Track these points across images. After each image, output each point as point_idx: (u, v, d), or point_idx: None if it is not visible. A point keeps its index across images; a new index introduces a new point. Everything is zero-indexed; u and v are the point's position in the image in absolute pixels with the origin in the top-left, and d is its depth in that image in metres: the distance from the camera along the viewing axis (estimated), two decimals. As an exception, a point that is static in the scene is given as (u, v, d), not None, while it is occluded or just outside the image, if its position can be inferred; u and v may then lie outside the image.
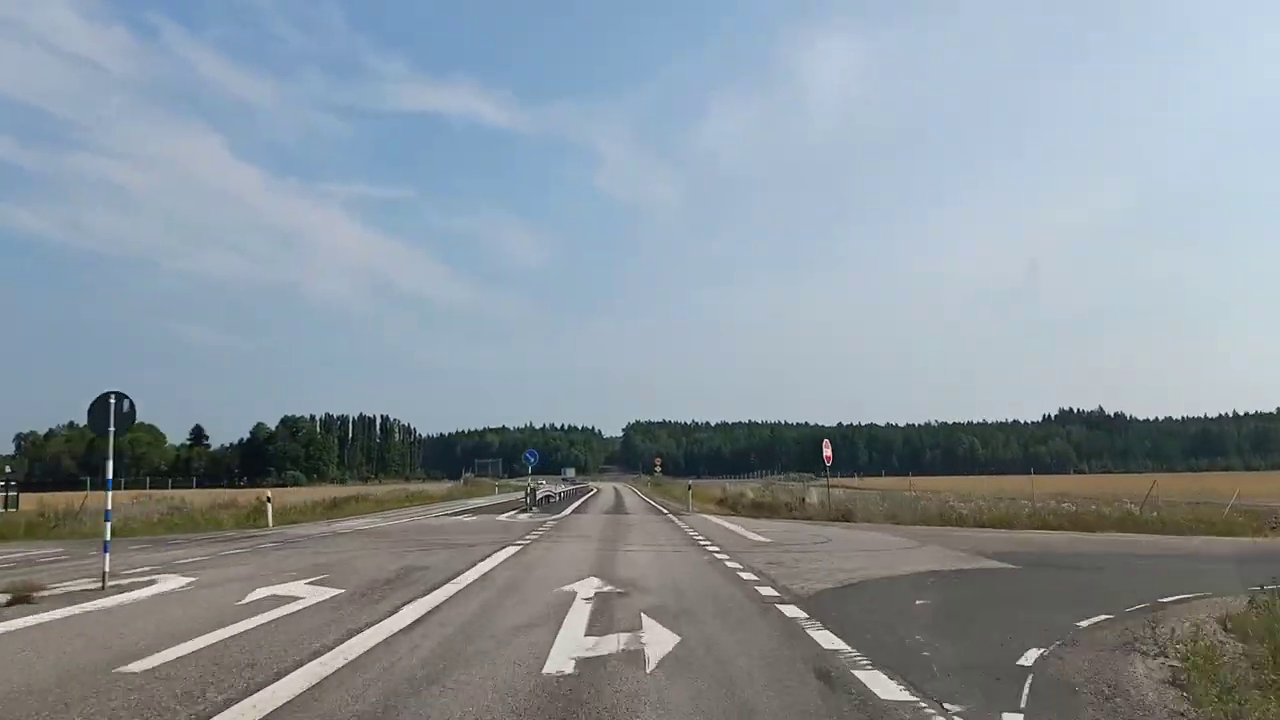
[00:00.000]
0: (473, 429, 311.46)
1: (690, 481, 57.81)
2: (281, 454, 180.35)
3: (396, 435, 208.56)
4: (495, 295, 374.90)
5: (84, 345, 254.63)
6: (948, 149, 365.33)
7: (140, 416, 12.67)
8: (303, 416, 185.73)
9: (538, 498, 45.68)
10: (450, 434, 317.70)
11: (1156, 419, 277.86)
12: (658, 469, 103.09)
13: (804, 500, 33.23)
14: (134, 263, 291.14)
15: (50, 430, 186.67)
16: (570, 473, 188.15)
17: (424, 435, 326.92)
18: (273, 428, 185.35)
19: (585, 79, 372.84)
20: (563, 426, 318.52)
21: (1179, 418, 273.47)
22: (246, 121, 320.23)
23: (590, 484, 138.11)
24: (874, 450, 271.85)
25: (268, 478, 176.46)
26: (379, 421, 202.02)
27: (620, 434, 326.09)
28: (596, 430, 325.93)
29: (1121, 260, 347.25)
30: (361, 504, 45.17)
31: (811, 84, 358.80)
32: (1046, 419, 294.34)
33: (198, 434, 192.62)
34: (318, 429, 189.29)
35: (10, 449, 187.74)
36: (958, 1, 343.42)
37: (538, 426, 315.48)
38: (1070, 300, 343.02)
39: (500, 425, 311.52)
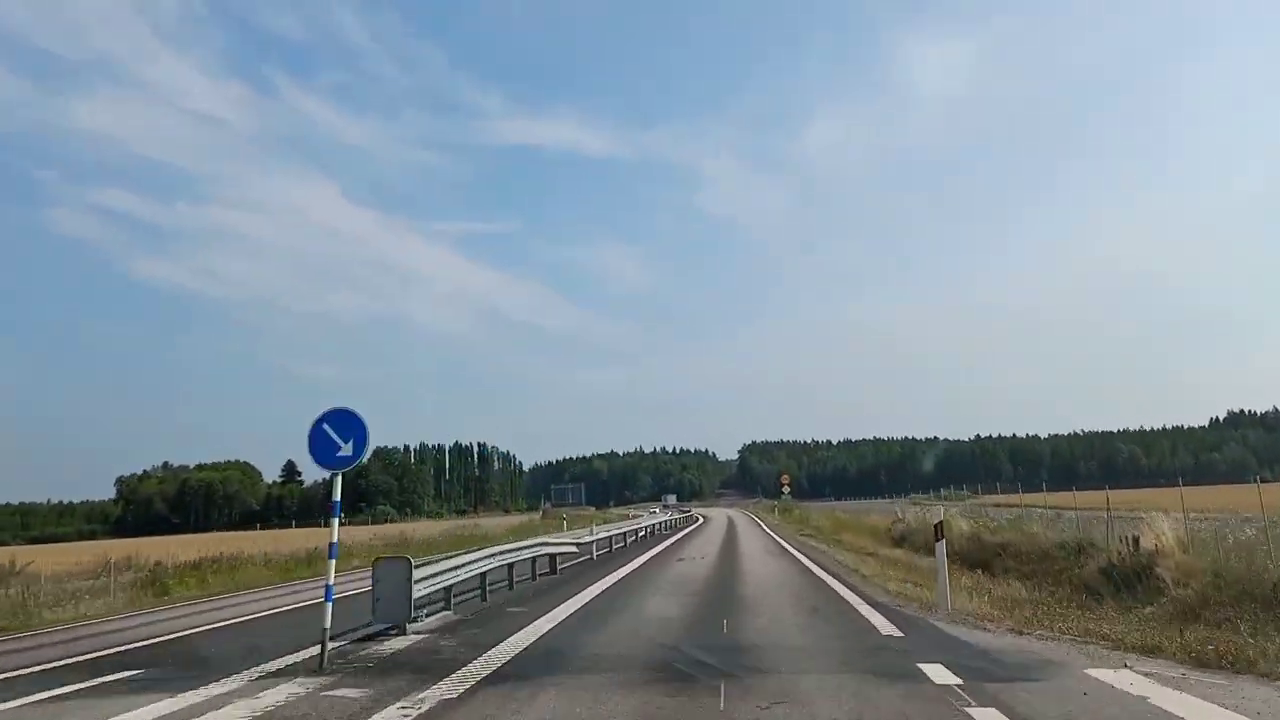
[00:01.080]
0: (579, 455, 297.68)
1: (831, 504, 38.96)
2: (373, 488, 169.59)
3: (496, 464, 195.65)
4: (602, 321, 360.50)
5: (201, 384, 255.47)
6: (1072, 138, 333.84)
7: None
8: (395, 447, 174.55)
9: (590, 540, 29.06)
10: (558, 461, 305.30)
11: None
12: (785, 491, 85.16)
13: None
14: (258, 304, 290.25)
15: (145, 471, 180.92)
16: (671, 499, 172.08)
17: (535, 463, 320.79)
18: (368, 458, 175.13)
19: (683, 99, 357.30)
20: (674, 450, 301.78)
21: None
22: (357, 164, 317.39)
23: (699, 511, 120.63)
24: (1019, 463, 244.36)
25: (358, 515, 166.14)
26: (476, 450, 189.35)
27: (735, 456, 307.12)
28: (710, 453, 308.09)
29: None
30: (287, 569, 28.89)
31: (918, 86, 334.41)
32: (1215, 423, 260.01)
33: (290, 470, 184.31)
34: (412, 459, 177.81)
35: (111, 493, 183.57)
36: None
37: (648, 451, 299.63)
38: (1229, 292, 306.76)
39: (609, 450, 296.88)
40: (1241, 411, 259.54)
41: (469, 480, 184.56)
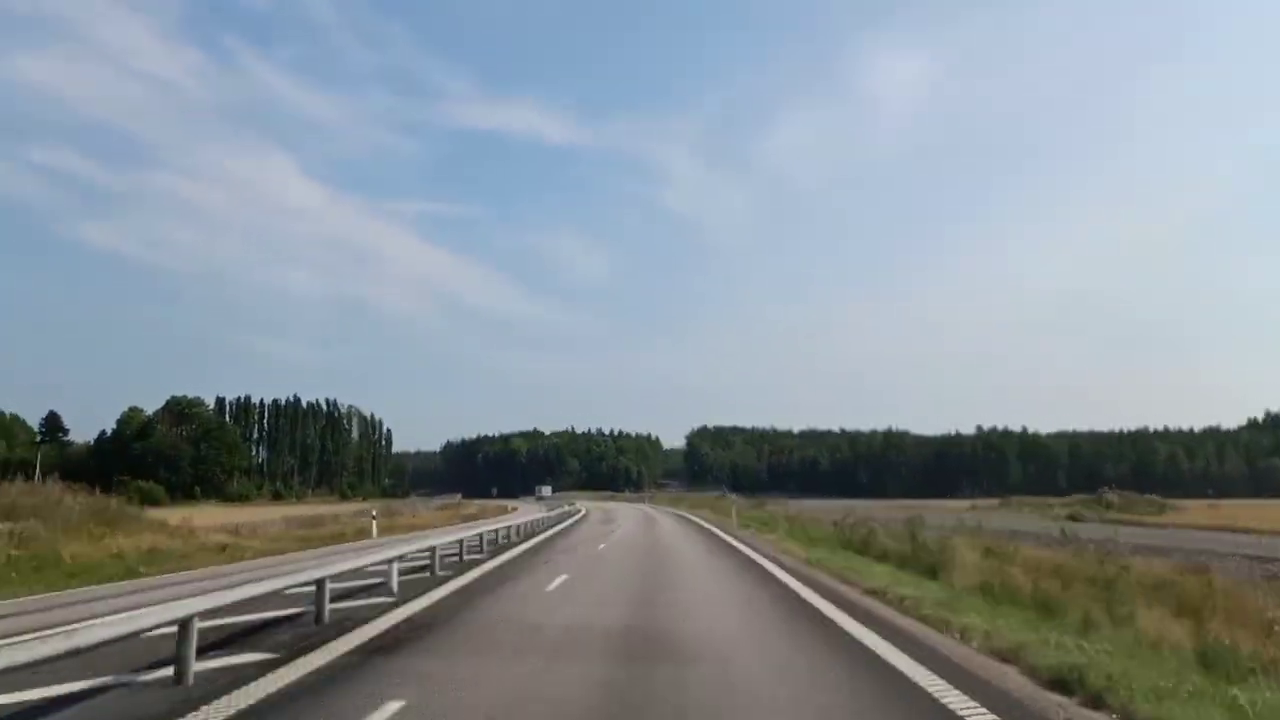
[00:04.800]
0: (496, 434, 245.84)
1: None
2: (158, 453, 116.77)
3: (354, 432, 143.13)
4: (555, 308, 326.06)
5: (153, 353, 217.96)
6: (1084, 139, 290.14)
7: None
8: (196, 398, 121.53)
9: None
10: (470, 439, 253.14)
11: None
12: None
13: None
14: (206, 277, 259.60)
15: None
16: (546, 490, 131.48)
17: (447, 441, 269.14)
18: (151, 413, 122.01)
19: (648, 94, 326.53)
20: (611, 433, 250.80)
21: None
22: (314, 139, 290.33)
23: (581, 505, 73.97)
24: (1029, 464, 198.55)
25: (118, 490, 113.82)
26: (326, 410, 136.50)
27: (683, 443, 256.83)
28: (653, 438, 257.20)
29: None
30: None
31: (881, 92, 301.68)
32: (1253, 423, 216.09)
33: (52, 425, 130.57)
34: (225, 416, 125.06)
35: None
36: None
37: (579, 431, 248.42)
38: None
39: (531, 429, 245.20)
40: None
41: (307, 450, 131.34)
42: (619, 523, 41.48)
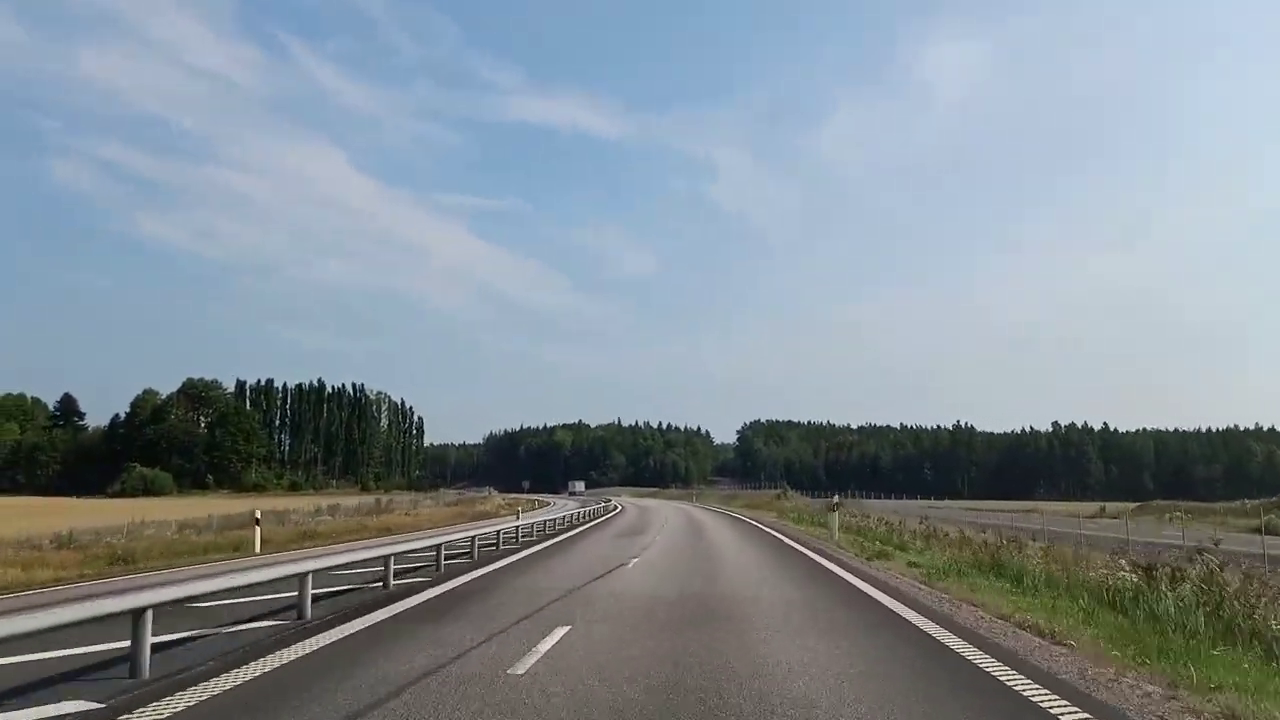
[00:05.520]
0: (539, 425, 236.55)
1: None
2: (171, 438, 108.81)
3: (384, 419, 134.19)
4: (602, 302, 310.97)
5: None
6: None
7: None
8: (213, 380, 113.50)
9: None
10: (513, 431, 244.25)
11: None
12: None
13: None
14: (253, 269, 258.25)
15: None
16: (579, 486, 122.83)
17: (489, 433, 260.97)
18: (166, 395, 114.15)
19: (696, 87, 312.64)
20: (660, 426, 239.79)
21: None
22: (363, 133, 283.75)
23: (619, 503, 65.76)
24: (1112, 463, 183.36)
25: (126, 478, 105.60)
26: (353, 394, 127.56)
27: (735, 439, 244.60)
28: (704, 432, 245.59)
29: None
30: None
31: (935, 83, 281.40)
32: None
33: (66, 408, 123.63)
34: (247, 400, 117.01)
35: None
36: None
37: (625, 424, 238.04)
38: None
39: (575, 421, 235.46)
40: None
41: (332, 438, 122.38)
42: (651, 534, 29.25)
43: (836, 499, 23.22)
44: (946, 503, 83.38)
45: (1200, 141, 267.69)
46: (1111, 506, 60.64)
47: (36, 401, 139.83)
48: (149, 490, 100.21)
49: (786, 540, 25.20)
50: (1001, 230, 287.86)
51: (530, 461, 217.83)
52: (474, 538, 19.33)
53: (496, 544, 21.77)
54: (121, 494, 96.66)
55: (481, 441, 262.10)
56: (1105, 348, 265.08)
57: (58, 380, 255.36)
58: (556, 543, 24.23)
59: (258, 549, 21.49)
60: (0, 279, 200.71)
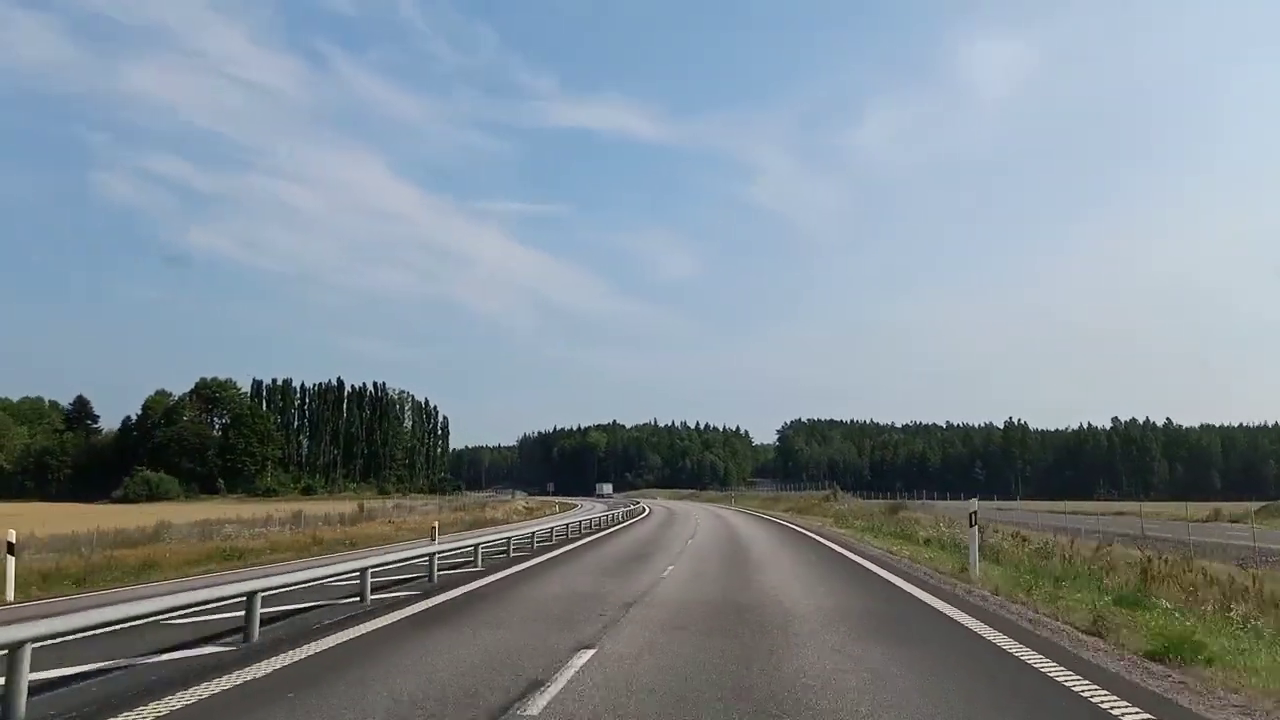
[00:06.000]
0: (573, 426, 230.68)
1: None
2: (182, 440, 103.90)
3: (407, 420, 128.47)
4: (642, 304, 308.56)
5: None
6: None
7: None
8: (227, 380, 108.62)
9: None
10: (546, 432, 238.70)
11: None
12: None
13: None
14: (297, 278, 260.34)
15: None
16: (607, 489, 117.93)
17: (523, 434, 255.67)
18: (178, 396, 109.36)
19: (736, 90, 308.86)
20: (697, 426, 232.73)
21: None
22: (405, 140, 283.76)
23: (645, 504, 60.84)
24: (1177, 461, 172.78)
25: (129, 483, 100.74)
26: (373, 393, 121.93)
27: (775, 439, 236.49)
28: (743, 432, 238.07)
29: None
30: None
31: (976, 83, 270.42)
32: None
33: (80, 411, 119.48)
34: (264, 401, 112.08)
35: None
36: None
37: (662, 424, 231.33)
38: None
39: (610, 421, 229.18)
40: None
41: (352, 440, 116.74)
42: (662, 561, 19.63)
43: (975, 504, 14.13)
44: (1014, 504, 75.47)
45: (1259, 132, 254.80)
46: (1226, 507, 52.64)
47: (54, 405, 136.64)
48: (153, 495, 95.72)
49: (897, 582, 14.66)
50: (1051, 228, 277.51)
51: (563, 463, 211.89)
52: (433, 554, 12.86)
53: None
54: (125, 500, 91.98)
55: (515, 444, 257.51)
56: (1162, 345, 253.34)
57: (79, 384, 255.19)
58: (514, 573, 17.34)
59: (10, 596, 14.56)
60: (38, 285, 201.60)
